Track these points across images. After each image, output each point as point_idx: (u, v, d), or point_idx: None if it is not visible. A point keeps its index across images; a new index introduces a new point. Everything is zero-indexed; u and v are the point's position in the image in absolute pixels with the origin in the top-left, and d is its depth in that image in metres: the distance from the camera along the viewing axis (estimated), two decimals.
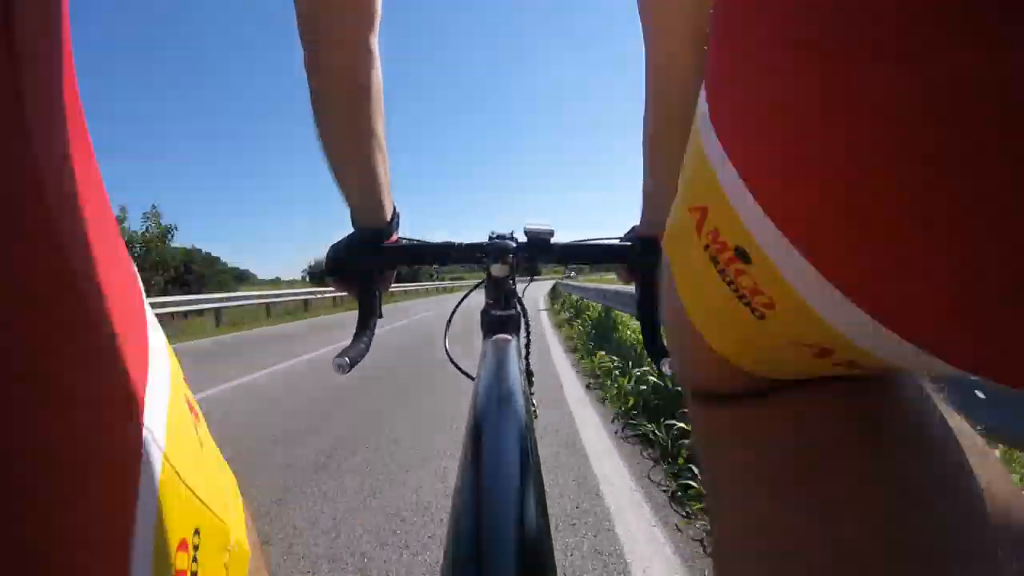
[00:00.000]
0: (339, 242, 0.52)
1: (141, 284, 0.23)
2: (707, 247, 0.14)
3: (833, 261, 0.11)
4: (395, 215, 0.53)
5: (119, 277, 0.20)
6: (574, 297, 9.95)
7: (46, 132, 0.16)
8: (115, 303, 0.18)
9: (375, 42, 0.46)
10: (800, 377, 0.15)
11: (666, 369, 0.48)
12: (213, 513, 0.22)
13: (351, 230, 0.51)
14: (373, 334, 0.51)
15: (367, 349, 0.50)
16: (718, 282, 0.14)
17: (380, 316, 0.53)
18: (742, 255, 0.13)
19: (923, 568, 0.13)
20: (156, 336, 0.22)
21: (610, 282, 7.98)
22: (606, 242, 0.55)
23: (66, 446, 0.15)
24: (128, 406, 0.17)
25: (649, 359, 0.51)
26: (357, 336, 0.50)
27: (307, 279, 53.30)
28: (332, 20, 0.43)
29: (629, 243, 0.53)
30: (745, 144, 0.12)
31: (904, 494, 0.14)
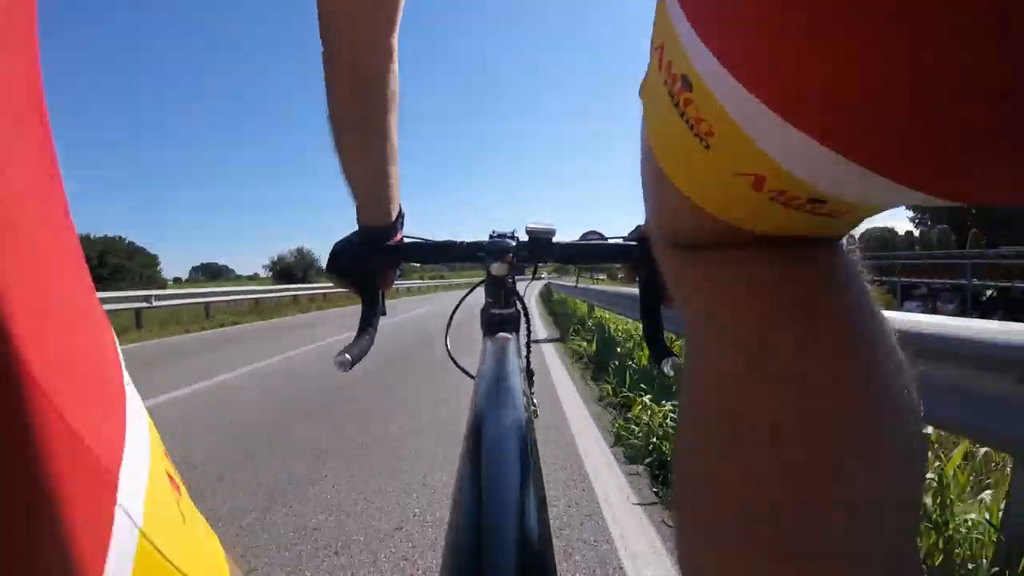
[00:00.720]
0: (343, 240, 0.52)
1: (116, 341, 0.22)
2: (665, 82, 0.14)
3: (759, 79, 0.11)
4: (400, 215, 0.54)
5: (92, 333, 0.19)
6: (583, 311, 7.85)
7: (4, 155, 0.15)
8: (89, 368, 0.18)
9: (395, 42, 0.45)
10: (748, 218, 0.16)
11: (667, 369, 0.49)
12: None
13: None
14: (376, 331, 0.51)
15: (369, 347, 0.50)
16: (674, 115, 0.14)
17: (384, 313, 0.53)
18: (686, 83, 0.13)
19: (831, 438, 0.15)
20: (134, 403, 0.21)
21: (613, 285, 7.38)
22: (608, 241, 0.55)
23: (28, 526, 0.15)
24: (98, 483, 0.17)
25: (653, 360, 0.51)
26: (360, 333, 0.50)
27: (270, 276, 51.36)
28: (355, 19, 0.43)
29: (632, 242, 0.53)
30: None
31: (828, 351, 0.16)
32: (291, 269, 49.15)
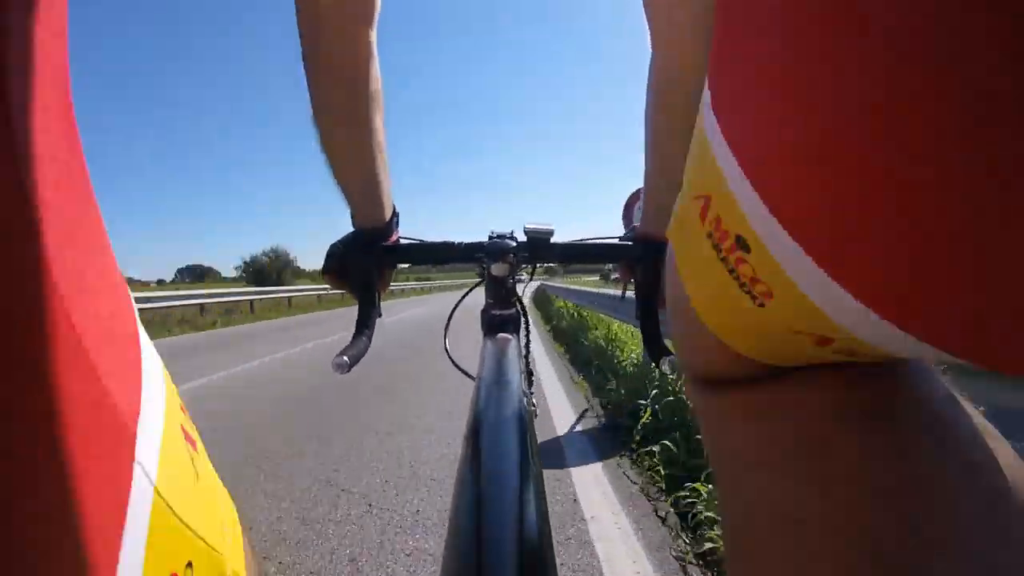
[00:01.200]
0: (338, 241, 0.52)
1: (134, 304, 0.22)
2: (710, 235, 0.14)
3: (828, 252, 0.11)
4: (395, 214, 0.53)
5: (109, 296, 0.19)
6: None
7: (35, 138, 0.15)
8: (105, 325, 0.17)
9: (374, 37, 0.45)
10: (801, 364, 0.16)
11: (666, 368, 0.49)
12: (208, 544, 0.22)
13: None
14: (373, 333, 0.51)
15: (367, 348, 0.50)
16: (720, 270, 0.14)
17: (379, 315, 0.53)
18: (742, 244, 0.13)
19: (925, 543, 0.14)
20: (151, 361, 0.21)
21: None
22: (606, 242, 0.56)
23: (48, 480, 0.15)
24: (118, 440, 0.17)
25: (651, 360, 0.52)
26: (357, 335, 0.50)
27: (243, 277, 49.23)
28: (332, 10, 0.42)
29: (630, 243, 0.54)
30: (744, 133, 0.12)
31: (903, 468, 0.14)
32: (266, 270, 47.36)
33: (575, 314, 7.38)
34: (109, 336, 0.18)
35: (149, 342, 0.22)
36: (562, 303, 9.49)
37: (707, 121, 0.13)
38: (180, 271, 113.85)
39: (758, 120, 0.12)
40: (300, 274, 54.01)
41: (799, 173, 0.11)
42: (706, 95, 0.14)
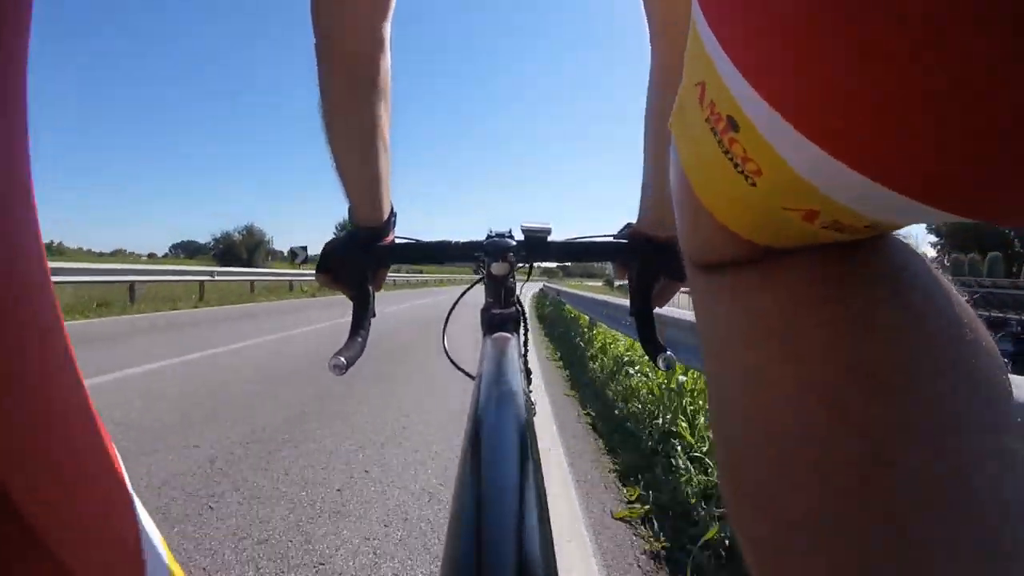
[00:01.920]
0: (335, 239, 0.52)
1: (120, 462, 0.19)
2: (707, 119, 0.14)
3: (809, 119, 0.11)
4: (392, 214, 0.53)
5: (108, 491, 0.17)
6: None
7: None
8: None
9: (388, 30, 0.45)
10: (794, 243, 0.16)
11: (662, 364, 0.50)
12: None
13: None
14: (368, 333, 0.51)
15: (363, 348, 0.49)
16: (717, 152, 0.14)
17: (374, 315, 0.53)
18: (733, 124, 0.13)
19: (894, 401, 0.14)
20: (151, 533, 0.19)
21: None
22: (602, 239, 0.56)
23: None
24: None
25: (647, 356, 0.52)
26: (352, 335, 0.50)
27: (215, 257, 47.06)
28: (348, 7, 0.42)
29: (626, 240, 0.54)
30: (723, 16, 0.13)
31: (874, 338, 0.15)
32: (236, 248, 45.50)
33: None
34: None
35: (138, 501, 0.19)
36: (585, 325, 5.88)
37: (695, 12, 0.14)
38: (174, 247, 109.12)
39: (735, 3, 0.12)
40: (275, 256, 51.91)
41: (774, 44, 0.11)
42: None
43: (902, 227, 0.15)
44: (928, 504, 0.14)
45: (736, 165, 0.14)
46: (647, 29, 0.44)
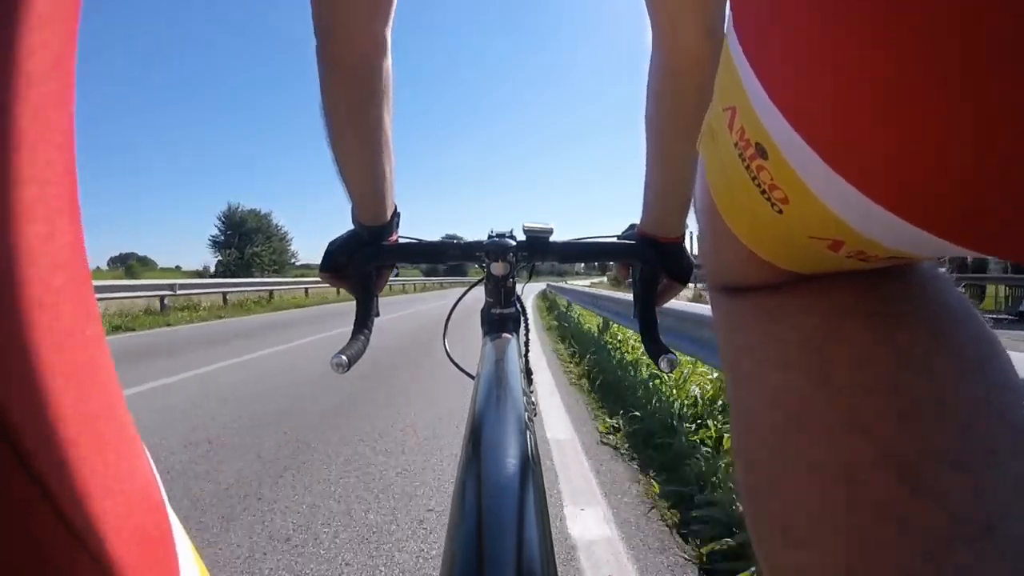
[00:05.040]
0: (338, 239, 0.52)
1: (157, 475, 0.19)
2: (736, 144, 0.14)
3: (836, 152, 0.11)
4: (396, 214, 0.53)
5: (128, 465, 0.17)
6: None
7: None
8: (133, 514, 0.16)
9: (389, 33, 0.45)
10: (818, 270, 0.16)
11: (664, 366, 0.50)
12: None
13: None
14: (371, 332, 0.52)
15: (365, 347, 0.50)
16: (744, 177, 0.14)
17: (377, 314, 0.53)
18: (761, 151, 0.13)
19: (924, 428, 0.14)
20: (182, 542, 0.19)
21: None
22: (605, 240, 0.56)
23: None
24: None
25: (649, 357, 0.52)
26: (355, 334, 0.50)
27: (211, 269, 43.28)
28: (348, 9, 0.42)
29: (629, 241, 0.54)
30: (759, 43, 0.13)
31: (906, 359, 0.15)
32: (248, 237, 43.08)
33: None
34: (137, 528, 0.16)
35: (175, 515, 0.19)
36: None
37: (729, 36, 0.14)
38: (113, 260, 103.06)
39: (772, 29, 0.12)
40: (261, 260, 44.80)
41: (806, 73, 0.11)
42: (730, 14, 0.14)
43: (929, 259, 0.15)
44: (967, 539, 0.13)
45: (763, 192, 0.14)
46: (648, 27, 0.43)
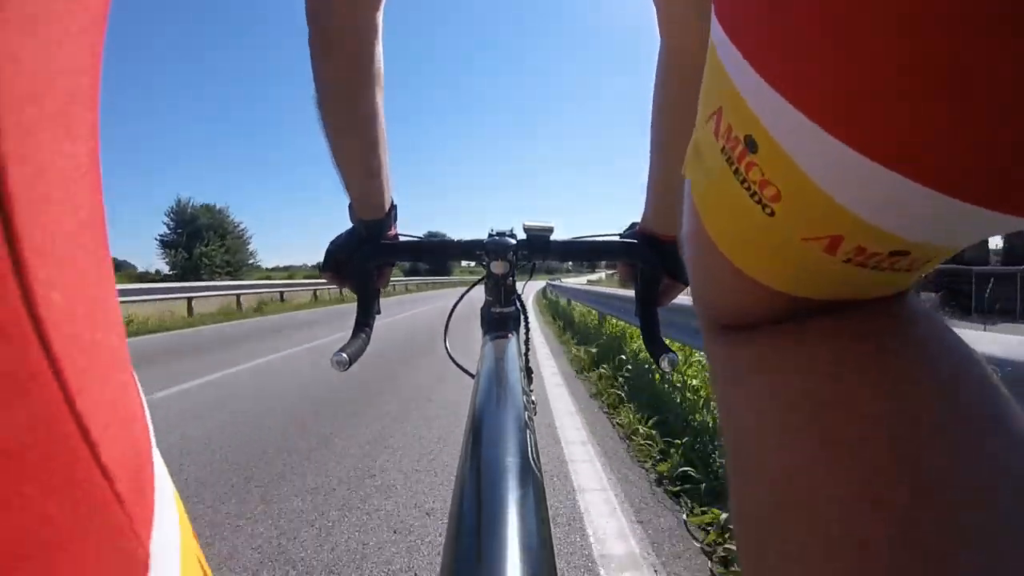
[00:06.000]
0: (338, 237, 0.52)
1: (146, 407, 0.20)
2: (723, 149, 0.14)
3: (835, 113, 0.11)
4: (393, 207, 0.53)
5: (121, 372, 0.17)
6: None
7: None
8: (119, 412, 0.16)
9: (380, 18, 0.45)
10: (812, 287, 0.16)
11: (665, 366, 0.50)
12: None
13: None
14: (372, 330, 0.52)
15: (366, 345, 0.50)
16: (732, 184, 0.14)
17: (378, 312, 0.53)
18: (751, 144, 0.13)
19: (940, 500, 0.14)
20: (161, 472, 0.19)
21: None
22: (606, 239, 0.56)
23: None
24: (130, 555, 0.15)
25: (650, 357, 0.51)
26: (356, 332, 0.50)
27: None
28: None
29: (630, 240, 0.54)
30: (746, 22, 0.12)
31: (916, 422, 0.15)
32: (200, 235, 40.09)
33: None
34: (122, 427, 0.16)
35: (157, 451, 0.20)
36: None
37: (713, 32, 0.13)
38: None
39: (759, 5, 0.12)
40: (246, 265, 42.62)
41: (798, 38, 0.11)
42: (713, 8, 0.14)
43: (930, 254, 0.14)
44: None
45: (753, 194, 0.14)
46: (655, 20, 0.44)
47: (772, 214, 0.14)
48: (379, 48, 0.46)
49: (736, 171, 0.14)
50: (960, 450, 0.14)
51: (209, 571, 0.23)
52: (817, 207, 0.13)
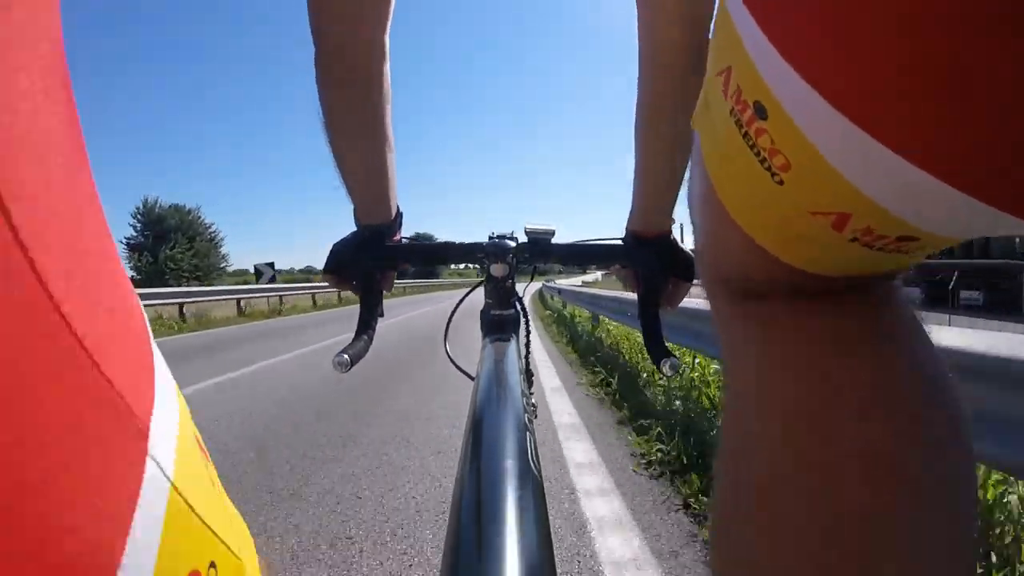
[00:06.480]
0: (342, 240, 0.52)
1: (145, 317, 0.21)
2: (732, 111, 0.14)
3: (847, 92, 0.11)
4: (399, 214, 0.53)
5: (115, 293, 0.18)
6: None
7: (35, 137, 0.14)
8: (116, 315, 0.17)
9: (386, 39, 0.45)
10: (818, 262, 0.16)
11: (666, 370, 0.50)
12: (229, 550, 0.21)
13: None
14: (374, 333, 0.52)
15: (368, 348, 0.50)
16: (742, 147, 0.14)
17: (381, 315, 0.53)
18: (760, 110, 0.13)
19: (893, 479, 0.16)
20: (160, 363, 0.21)
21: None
22: (606, 242, 0.56)
23: (52, 468, 0.14)
24: (128, 432, 0.16)
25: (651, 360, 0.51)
26: (358, 334, 0.50)
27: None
28: (347, 17, 0.42)
29: (630, 243, 0.54)
30: None
31: (884, 384, 0.16)
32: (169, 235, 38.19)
33: None
34: (117, 324, 0.17)
35: (156, 346, 0.21)
36: None
37: None
38: None
39: None
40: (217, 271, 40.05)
41: (813, 12, 0.11)
42: None
43: (937, 242, 0.14)
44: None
45: (763, 160, 0.13)
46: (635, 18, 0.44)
47: (781, 183, 0.13)
48: (386, 67, 0.46)
49: (745, 135, 0.13)
50: (921, 433, 0.16)
51: (204, 449, 0.24)
52: (826, 182, 0.12)
